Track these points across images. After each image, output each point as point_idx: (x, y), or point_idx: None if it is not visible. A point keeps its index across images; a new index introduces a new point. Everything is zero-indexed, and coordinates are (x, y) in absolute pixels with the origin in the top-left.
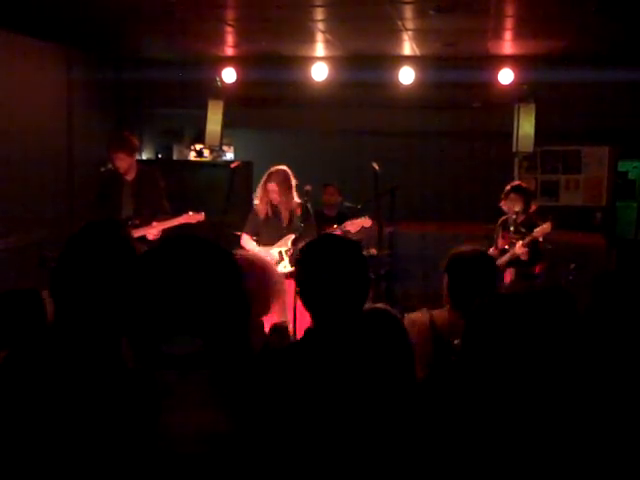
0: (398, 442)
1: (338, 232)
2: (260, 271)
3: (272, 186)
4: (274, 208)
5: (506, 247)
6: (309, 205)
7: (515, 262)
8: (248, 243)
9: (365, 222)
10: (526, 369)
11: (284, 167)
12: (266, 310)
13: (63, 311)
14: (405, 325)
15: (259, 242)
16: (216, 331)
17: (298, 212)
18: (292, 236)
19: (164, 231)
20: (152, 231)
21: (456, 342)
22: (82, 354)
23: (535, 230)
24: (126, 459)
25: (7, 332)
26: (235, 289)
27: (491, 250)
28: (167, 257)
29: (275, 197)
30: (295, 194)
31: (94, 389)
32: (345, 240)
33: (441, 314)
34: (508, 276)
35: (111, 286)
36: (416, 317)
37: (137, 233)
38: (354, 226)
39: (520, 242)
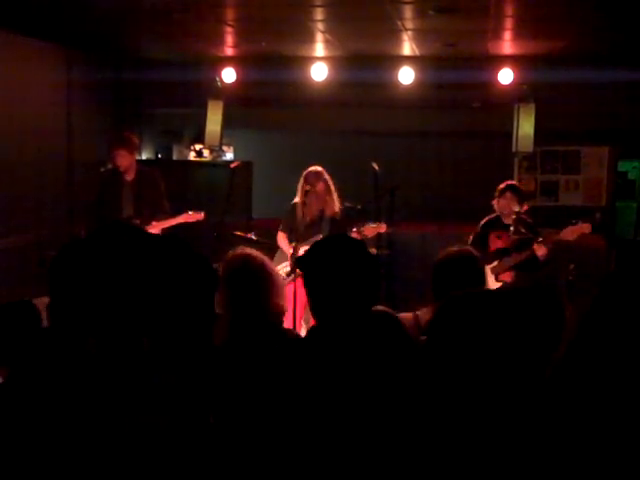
0: (397, 443)
1: (356, 236)
2: (251, 268)
3: (320, 187)
4: (311, 209)
5: (509, 248)
6: (343, 207)
7: (524, 263)
8: (283, 242)
9: (381, 228)
10: (485, 370)
11: (320, 168)
12: (269, 303)
13: (62, 312)
14: None
15: (291, 240)
16: (166, 331)
17: (330, 213)
18: (320, 236)
19: (164, 230)
20: (152, 231)
21: (422, 338)
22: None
23: (565, 230)
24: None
25: (4, 346)
26: (191, 290)
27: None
28: (120, 255)
29: (322, 198)
30: (335, 196)
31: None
32: (355, 241)
33: (425, 314)
34: (509, 276)
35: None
36: (402, 317)
37: None
38: (371, 231)
39: (541, 242)
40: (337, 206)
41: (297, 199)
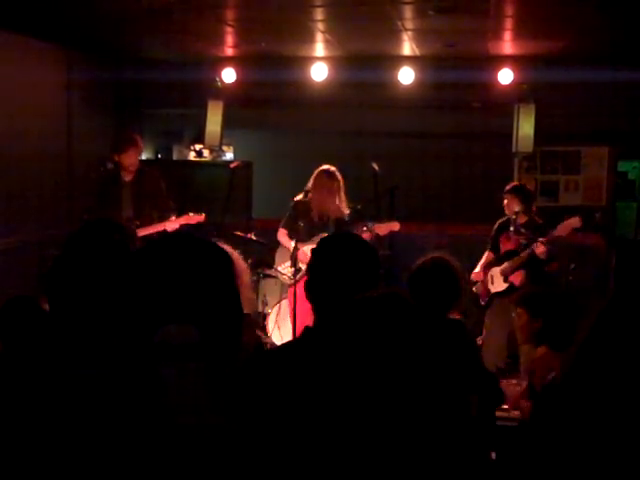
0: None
1: (367, 234)
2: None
3: (330, 187)
4: (318, 208)
5: (517, 249)
6: (351, 209)
7: (529, 263)
8: (283, 238)
9: (394, 226)
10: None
11: (333, 167)
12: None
13: (59, 310)
14: None
15: (292, 238)
16: (212, 323)
17: (336, 214)
18: (324, 235)
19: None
20: (173, 225)
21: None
22: (80, 351)
23: (558, 227)
24: (128, 455)
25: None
26: (229, 283)
27: (486, 254)
28: (162, 252)
29: (331, 198)
30: (344, 197)
31: (96, 386)
32: (362, 241)
33: None
34: (519, 277)
35: (108, 284)
36: None
37: (139, 233)
38: (382, 229)
39: (540, 241)
40: (345, 207)
41: (300, 196)
